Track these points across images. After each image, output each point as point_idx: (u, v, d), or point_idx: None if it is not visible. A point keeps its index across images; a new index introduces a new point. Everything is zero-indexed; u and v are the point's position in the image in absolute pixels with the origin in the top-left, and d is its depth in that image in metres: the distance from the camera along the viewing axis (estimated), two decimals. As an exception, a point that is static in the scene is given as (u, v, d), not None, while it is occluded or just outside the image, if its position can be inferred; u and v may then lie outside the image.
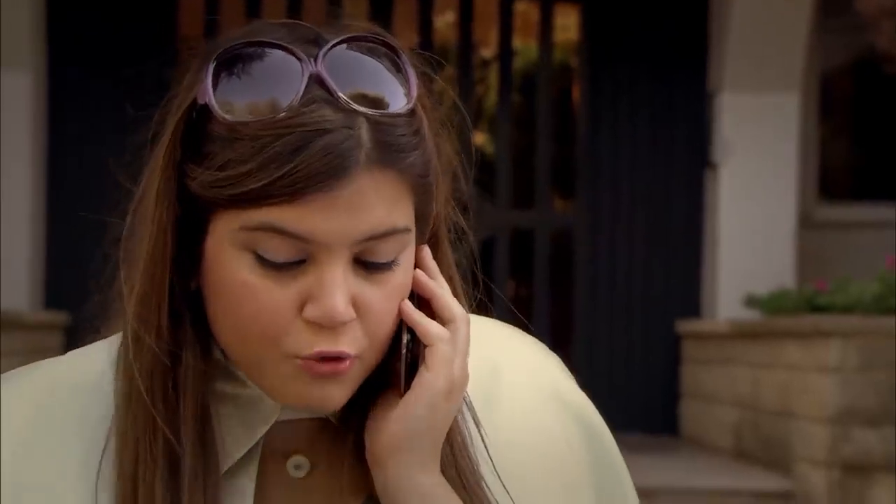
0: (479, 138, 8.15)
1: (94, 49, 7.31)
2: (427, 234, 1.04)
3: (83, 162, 7.23)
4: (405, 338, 1.02)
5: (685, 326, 7.36)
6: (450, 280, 1.07)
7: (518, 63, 8.19)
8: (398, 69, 0.98)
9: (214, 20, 7.52)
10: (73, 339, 6.39)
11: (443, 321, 1.03)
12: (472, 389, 1.07)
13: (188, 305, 1.01)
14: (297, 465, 1.06)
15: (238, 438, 1.03)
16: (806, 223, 7.51)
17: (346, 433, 1.05)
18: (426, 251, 1.04)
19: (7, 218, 7.00)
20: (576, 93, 7.82)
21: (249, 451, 1.04)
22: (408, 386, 1.02)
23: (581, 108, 7.66)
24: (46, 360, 1.10)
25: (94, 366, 1.06)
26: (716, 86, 7.33)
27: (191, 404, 1.01)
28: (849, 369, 5.28)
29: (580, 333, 7.60)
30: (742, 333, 6.42)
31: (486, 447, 1.07)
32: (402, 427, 1.01)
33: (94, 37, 7.33)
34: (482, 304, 1.15)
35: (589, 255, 7.58)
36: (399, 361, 1.02)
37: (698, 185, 7.46)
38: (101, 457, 1.02)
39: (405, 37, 7.97)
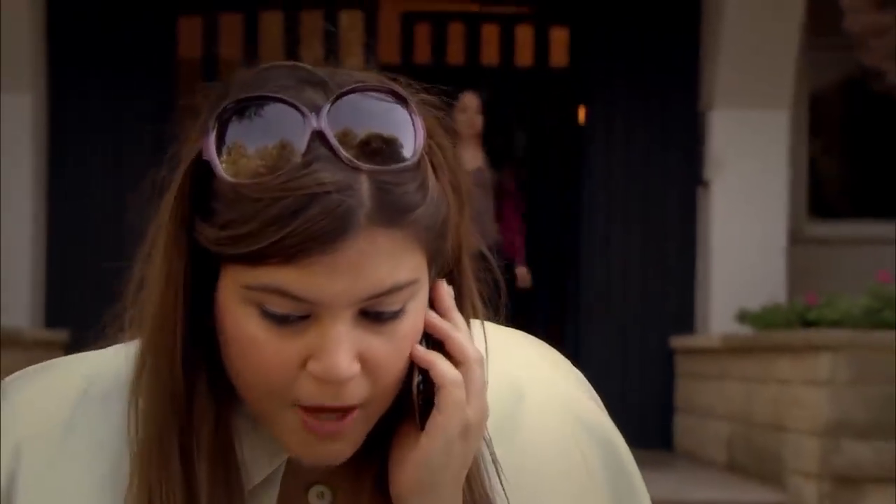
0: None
1: (94, 71, 7.40)
2: (443, 269, 1.03)
3: (83, 182, 7.32)
4: (416, 379, 1.01)
5: (679, 342, 7.43)
6: (472, 309, 1.06)
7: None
8: (406, 117, 0.97)
9: (212, 41, 7.62)
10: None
11: (455, 363, 1.01)
12: (493, 410, 1.05)
13: (203, 341, 1.00)
14: (320, 495, 1.06)
15: (259, 462, 1.03)
16: (796, 239, 7.59)
17: (368, 462, 1.04)
18: (442, 288, 1.02)
19: (8, 239, 7.06)
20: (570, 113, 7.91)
21: (270, 476, 1.04)
22: (424, 422, 1.01)
23: (573, 126, 7.76)
24: (73, 357, 1.10)
25: (119, 369, 1.05)
26: (707, 104, 7.42)
27: (207, 435, 1.01)
28: (839, 383, 5.33)
29: (575, 348, 7.61)
30: (734, 348, 6.49)
31: (501, 484, 1.06)
32: (420, 471, 1.00)
33: (93, 59, 7.41)
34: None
35: (584, 270, 7.65)
36: (413, 401, 1.01)
37: (691, 202, 7.55)
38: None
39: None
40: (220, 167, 0.94)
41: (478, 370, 1.01)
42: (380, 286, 0.95)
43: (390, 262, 0.94)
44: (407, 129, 0.96)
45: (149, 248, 1.00)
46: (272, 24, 7.67)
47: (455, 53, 7.97)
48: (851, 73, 7.11)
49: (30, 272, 7.24)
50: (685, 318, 7.53)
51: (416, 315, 0.99)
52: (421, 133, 0.96)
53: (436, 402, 1.00)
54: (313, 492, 1.05)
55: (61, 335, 6.84)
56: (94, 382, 1.06)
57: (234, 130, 0.95)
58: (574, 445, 1.10)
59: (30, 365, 1.10)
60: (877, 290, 5.68)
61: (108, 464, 1.03)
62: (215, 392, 1.01)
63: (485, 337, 1.06)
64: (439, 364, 1.00)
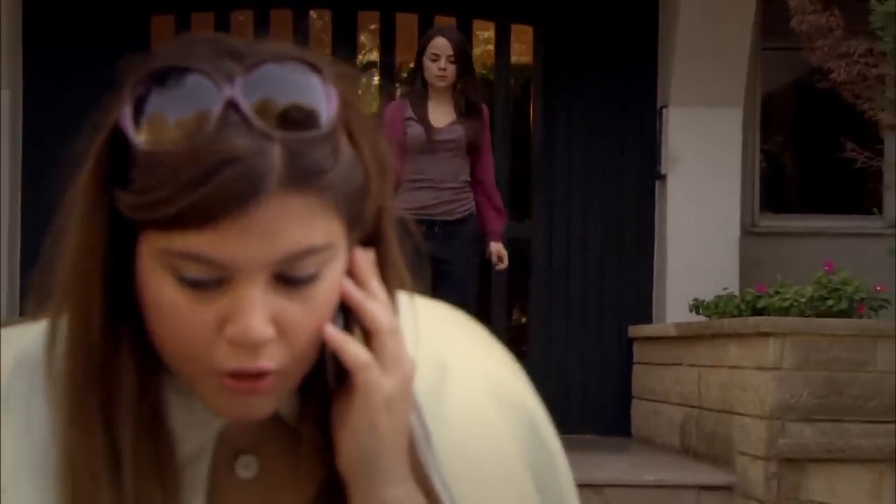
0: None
1: (67, 67, 7.48)
2: (362, 237, 1.03)
3: (57, 177, 7.41)
4: (329, 351, 1.01)
5: (637, 331, 7.57)
6: (397, 278, 1.06)
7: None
8: (320, 86, 0.98)
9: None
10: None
11: (368, 333, 1.02)
12: (419, 386, 1.05)
13: (130, 312, 1.00)
14: (247, 465, 1.07)
15: (190, 433, 1.04)
16: (749, 231, 7.73)
17: (301, 431, 1.05)
18: (359, 256, 1.03)
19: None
20: (531, 108, 8.03)
21: (200, 448, 1.04)
22: (342, 383, 1.02)
23: (536, 122, 7.86)
24: (3, 332, 1.10)
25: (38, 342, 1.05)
26: (664, 102, 7.56)
27: (131, 405, 1.00)
28: (786, 368, 5.45)
29: (536, 338, 7.77)
30: (688, 336, 6.61)
31: (432, 451, 1.07)
32: (355, 448, 1.01)
33: (67, 55, 7.51)
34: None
35: (544, 262, 7.77)
36: (327, 369, 1.02)
37: (649, 195, 7.67)
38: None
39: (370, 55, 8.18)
40: (136, 136, 0.95)
41: (390, 341, 1.01)
42: (293, 249, 0.96)
43: (303, 225, 0.95)
44: (320, 98, 0.97)
45: (65, 217, 1.00)
46: (243, 23, 7.80)
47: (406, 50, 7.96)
48: (803, 73, 7.26)
49: (6, 264, 7.37)
50: (643, 309, 7.66)
51: (331, 280, 0.99)
52: (334, 102, 0.98)
53: (353, 381, 1.01)
54: (240, 463, 1.07)
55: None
56: (25, 358, 1.06)
57: (152, 100, 0.96)
58: (495, 421, 1.11)
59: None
60: (822, 280, 5.85)
61: (40, 439, 1.03)
62: (141, 362, 1.01)
63: (413, 313, 1.07)
64: (347, 347, 1.00)
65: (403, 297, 1.07)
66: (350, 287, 1.01)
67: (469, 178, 6.00)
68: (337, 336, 1.00)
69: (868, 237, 7.36)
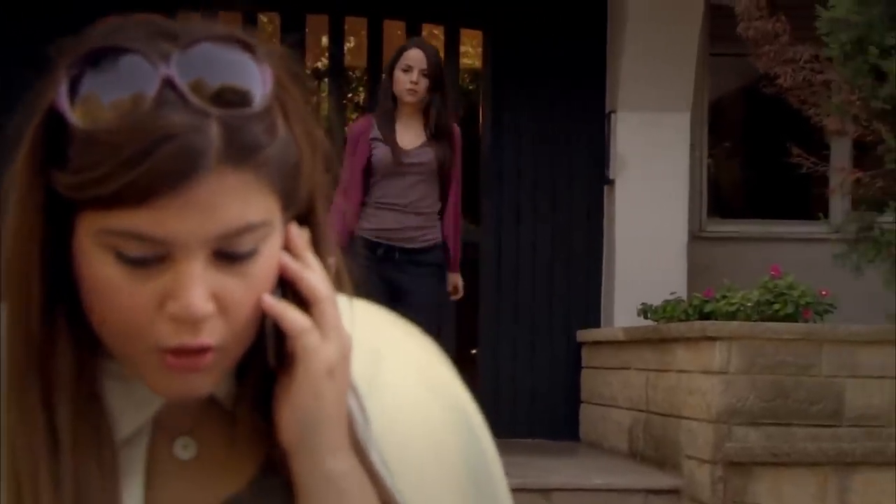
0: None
1: (20, 65, 7.44)
2: (295, 216, 1.04)
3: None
4: (269, 325, 1.03)
5: (585, 335, 7.60)
6: (330, 255, 1.08)
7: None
8: (254, 65, 0.99)
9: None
10: None
11: (308, 303, 1.03)
12: (355, 374, 1.07)
13: (68, 294, 1.01)
14: (185, 446, 1.07)
15: (127, 414, 1.04)
16: (697, 236, 7.80)
17: (237, 413, 1.06)
18: (293, 230, 1.04)
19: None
20: (480, 112, 8.05)
21: (138, 429, 1.05)
22: (281, 360, 1.03)
23: (485, 126, 7.88)
24: None
25: None
26: (612, 107, 7.59)
27: (69, 386, 1.01)
28: (732, 372, 5.49)
29: (485, 342, 7.78)
30: (636, 340, 6.64)
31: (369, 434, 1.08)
32: (296, 417, 1.02)
33: (22, 53, 7.46)
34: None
35: (493, 267, 7.79)
36: (266, 342, 1.03)
37: (597, 200, 7.71)
38: None
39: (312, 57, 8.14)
40: (73, 116, 0.95)
41: (329, 309, 1.04)
42: (231, 225, 0.97)
43: (241, 201, 0.97)
44: (255, 77, 0.98)
45: (3, 204, 1.00)
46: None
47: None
48: (750, 78, 7.33)
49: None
50: (591, 313, 7.69)
51: (269, 256, 1.01)
52: (269, 81, 0.99)
53: (294, 349, 1.02)
54: (178, 444, 1.07)
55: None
56: None
57: (87, 81, 0.96)
58: (427, 403, 1.13)
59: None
60: (768, 285, 5.90)
61: None
62: (78, 345, 1.01)
63: (350, 309, 1.08)
64: (287, 314, 1.02)
65: (342, 298, 1.08)
66: (287, 259, 1.03)
67: (438, 206, 5.71)
68: (276, 304, 1.02)
69: (814, 242, 7.42)
